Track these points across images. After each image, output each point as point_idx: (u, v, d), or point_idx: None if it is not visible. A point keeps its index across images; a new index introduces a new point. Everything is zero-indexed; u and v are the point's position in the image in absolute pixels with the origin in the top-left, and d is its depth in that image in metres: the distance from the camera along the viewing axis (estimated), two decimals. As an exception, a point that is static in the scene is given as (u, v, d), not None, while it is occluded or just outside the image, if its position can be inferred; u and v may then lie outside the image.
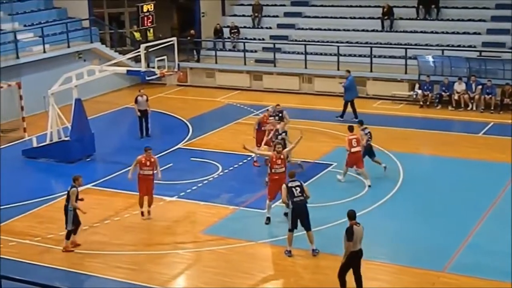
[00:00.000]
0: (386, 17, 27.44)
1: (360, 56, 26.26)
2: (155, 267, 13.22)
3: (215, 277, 12.82)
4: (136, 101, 21.20)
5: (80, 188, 16.98)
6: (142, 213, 15.44)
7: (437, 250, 13.49)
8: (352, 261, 11.55)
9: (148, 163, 15.27)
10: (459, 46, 25.63)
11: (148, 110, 21.21)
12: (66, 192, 13.93)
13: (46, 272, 13.06)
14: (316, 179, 17.25)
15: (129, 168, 18.27)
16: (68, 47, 25.59)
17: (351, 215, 11.59)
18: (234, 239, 14.19)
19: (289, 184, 13.36)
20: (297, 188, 13.31)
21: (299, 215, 13.27)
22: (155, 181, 15.48)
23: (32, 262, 13.42)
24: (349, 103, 22.33)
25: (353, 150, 16.54)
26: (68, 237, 13.89)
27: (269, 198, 14.80)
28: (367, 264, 12.90)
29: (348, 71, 22.64)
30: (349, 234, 11.36)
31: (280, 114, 18.37)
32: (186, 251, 13.88)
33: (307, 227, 13.42)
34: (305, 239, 13.80)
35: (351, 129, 16.81)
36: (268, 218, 14.84)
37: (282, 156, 14.87)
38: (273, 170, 14.76)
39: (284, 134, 17.11)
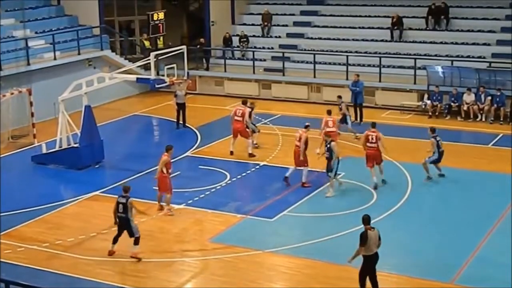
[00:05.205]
0: (395, 27, 27.45)
1: (369, 66, 26.24)
2: (163, 275, 13.25)
3: (222, 285, 12.83)
4: (175, 95, 22.87)
5: (89, 195, 17.23)
6: (170, 210, 15.96)
7: (445, 262, 13.45)
8: (367, 265, 11.61)
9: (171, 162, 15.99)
10: (468, 56, 25.61)
11: (186, 103, 23.00)
12: (119, 204, 13.57)
13: (53, 278, 13.10)
14: (324, 189, 17.23)
15: (138, 174, 18.53)
16: (79, 54, 25.73)
17: (366, 220, 11.71)
18: (241, 248, 14.19)
19: None
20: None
21: None
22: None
23: (40, 268, 13.46)
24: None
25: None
26: (137, 242, 13.70)
27: None
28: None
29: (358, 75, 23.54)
30: (363, 239, 11.48)
31: None
32: (194, 259, 13.89)
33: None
34: (311, 250, 13.83)
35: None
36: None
37: None
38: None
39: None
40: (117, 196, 13.91)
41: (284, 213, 15.96)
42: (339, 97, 21.99)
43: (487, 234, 14.56)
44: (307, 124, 17.75)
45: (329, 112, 19.59)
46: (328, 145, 16.62)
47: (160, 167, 15.78)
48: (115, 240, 13.87)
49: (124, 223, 13.66)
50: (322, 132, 18.19)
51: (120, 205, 13.62)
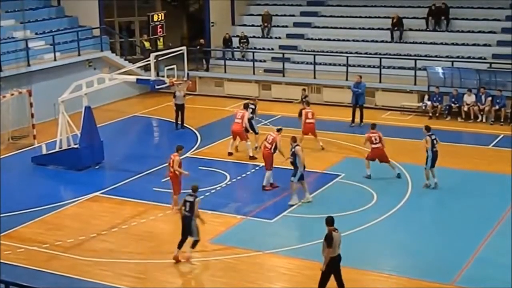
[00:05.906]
0: (395, 28, 27.44)
1: (369, 66, 26.23)
2: (163, 276, 13.22)
3: (222, 286, 12.81)
4: (174, 96, 23.01)
5: (88, 196, 17.21)
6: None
7: (445, 263, 13.42)
8: (332, 267, 11.60)
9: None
10: (469, 57, 25.60)
11: (185, 104, 23.13)
12: (187, 202, 13.48)
13: (53, 279, 13.08)
14: (324, 190, 17.22)
15: (138, 175, 18.50)
16: (79, 55, 25.72)
17: (330, 221, 11.71)
18: (241, 249, 14.17)
19: None
20: None
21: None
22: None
23: (39, 269, 13.45)
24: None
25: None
26: (194, 246, 13.54)
27: None
28: (375, 276, 12.89)
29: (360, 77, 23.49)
30: (329, 240, 11.46)
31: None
32: (194, 260, 13.85)
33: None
34: (311, 251, 13.83)
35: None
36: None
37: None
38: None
39: None
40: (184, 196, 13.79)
41: (284, 214, 15.93)
42: (304, 90, 22.54)
43: (488, 235, 14.53)
44: (279, 127, 17.99)
45: (307, 103, 20.63)
46: (293, 150, 16.30)
47: (177, 167, 15.79)
48: (179, 246, 13.54)
49: (186, 223, 13.49)
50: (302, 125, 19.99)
51: (187, 204, 13.49)
